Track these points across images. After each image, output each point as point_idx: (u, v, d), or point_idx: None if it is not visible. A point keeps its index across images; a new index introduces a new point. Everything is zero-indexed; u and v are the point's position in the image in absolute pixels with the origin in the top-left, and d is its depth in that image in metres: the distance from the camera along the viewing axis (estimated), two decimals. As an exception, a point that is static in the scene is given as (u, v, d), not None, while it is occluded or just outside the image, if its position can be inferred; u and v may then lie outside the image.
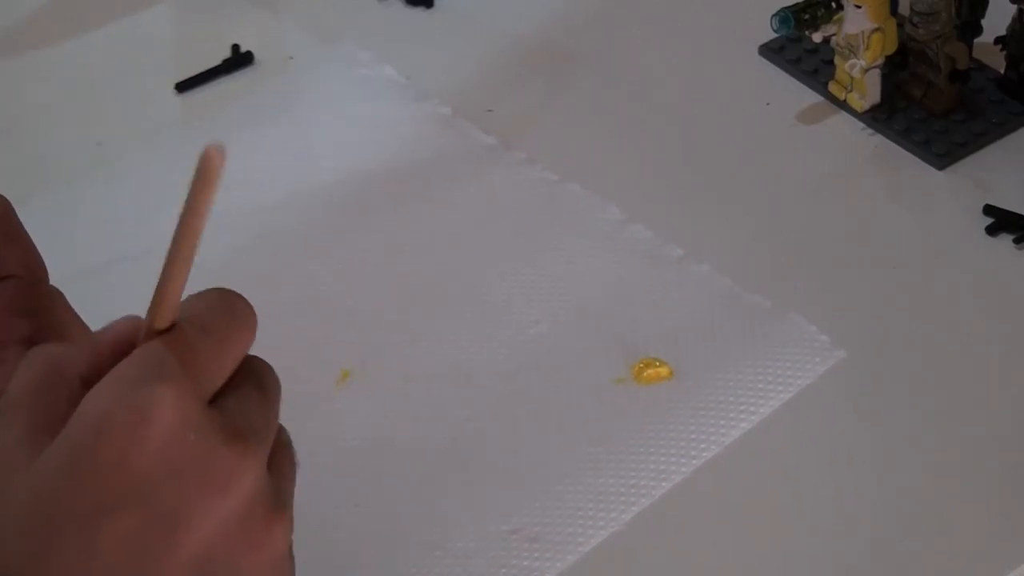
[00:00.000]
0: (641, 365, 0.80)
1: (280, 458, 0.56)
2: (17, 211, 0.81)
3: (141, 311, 0.83)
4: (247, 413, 0.55)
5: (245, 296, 0.87)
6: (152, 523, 0.52)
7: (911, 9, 0.92)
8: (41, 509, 0.52)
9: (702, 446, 0.77)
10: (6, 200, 0.74)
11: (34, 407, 0.54)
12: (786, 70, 0.99)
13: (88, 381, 0.55)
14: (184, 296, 0.55)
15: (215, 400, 0.55)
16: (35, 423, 0.54)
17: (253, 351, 0.82)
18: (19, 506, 0.53)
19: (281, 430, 0.57)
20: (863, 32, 0.92)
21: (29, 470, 0.53)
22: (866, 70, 0.93)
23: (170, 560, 0.53)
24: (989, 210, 0.89)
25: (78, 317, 0.76)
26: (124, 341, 0.56)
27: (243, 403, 0.55)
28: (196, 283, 0.88)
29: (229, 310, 0.56)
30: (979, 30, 0.95)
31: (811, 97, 0.97)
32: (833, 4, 0.92)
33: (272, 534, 0.54)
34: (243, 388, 0.56)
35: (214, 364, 0.55)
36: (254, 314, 0.56)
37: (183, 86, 1.00)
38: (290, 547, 0.57)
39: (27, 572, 0.52)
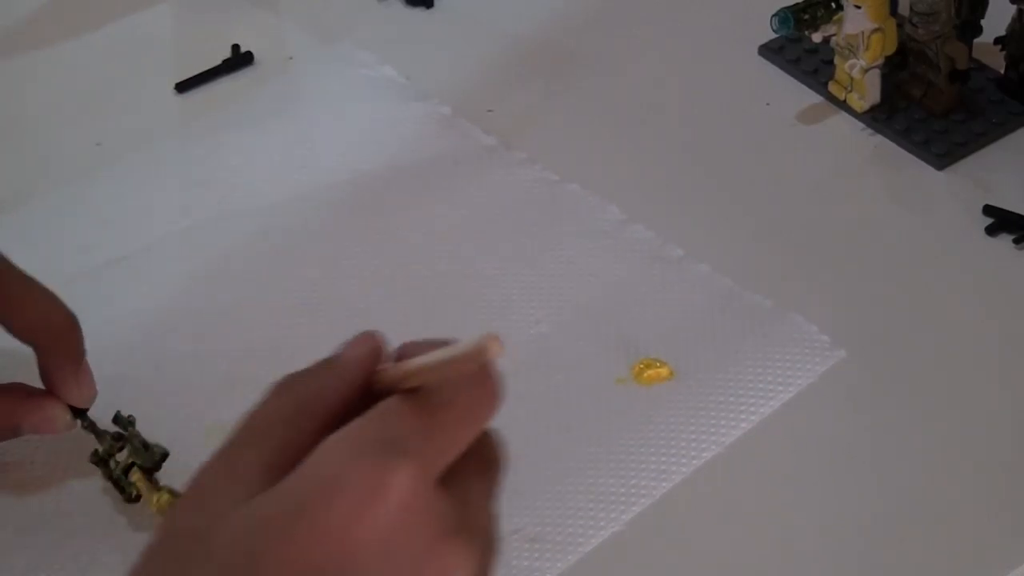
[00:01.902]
0: (641, 365, 0.80)
1: (488, 555, 0.53)
2: (17, 211, 0.81)
3: (141, 311, 0.84)
4: (474, 506, 0.53)
5: (245, 295, 0.88)
6: None
7: (911, 9, 0.92)
8: (249, 549, 0.50)
9: (702, 446, 0.77)
10: None
11: (277, 437, 0.53)
12: (786, 70, 0.99)
13: (334, 418, 0.53)
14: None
15: (443, 478, 0.52)
16: (274, 453, 0.52)
17: (255, 353, 0.83)
18: (229, 540, 0.50)
19: (493, 520, 0.54)
20: (863, 32, 0.92)
21: (250, 505, 0.51)
22: (866, 70, 0.93)
23: None
24: (989, 210, 0.89)
25: (25, 276, 0.74)
26: (369, 368, 0.54)
27: (470, 493, 0.53)
28: (197, 283, 0.88)
29: (479, 385, 0.53)
30: (979, 30, 0.95)
31: (811, 97, 0.97)
32: (833, 4, 0.92)
33: None
34: (472, 475, 0.53)
35: (451, 440, 0.52)
36: (501, 392, 0.53)
37: (183, 86, 1.00)
38: None
39: None
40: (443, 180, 0.92)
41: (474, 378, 0.53)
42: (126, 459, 0.75)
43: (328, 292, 0.86)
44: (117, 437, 0.76)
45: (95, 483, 0.76)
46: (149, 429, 0.78)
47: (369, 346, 0.55)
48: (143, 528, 0.75)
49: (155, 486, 0.74)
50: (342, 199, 0.92)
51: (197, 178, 0.94)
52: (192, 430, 0.78)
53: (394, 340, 0.82)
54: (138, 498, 0.75)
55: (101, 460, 0.76)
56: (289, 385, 0.55)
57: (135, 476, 0.75)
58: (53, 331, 0.75)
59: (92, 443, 0.76)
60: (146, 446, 0.75)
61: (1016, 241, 0.87)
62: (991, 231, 0.88)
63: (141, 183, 0.94)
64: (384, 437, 0.50)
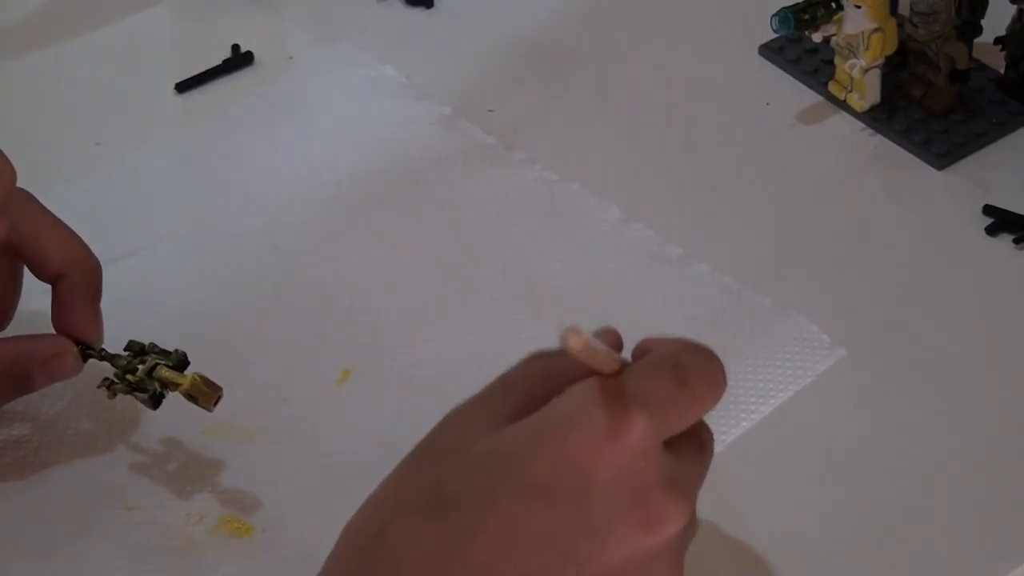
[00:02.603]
0: (641, 365, 0.80)
1: (692, 523, 0.60)
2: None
3: (141, 310, 0.84)
4: (691, 470, 0.59)
5: (245, 295, 0.88)
6: (580, 529, 0.56)
7: (911, 9, 0.92)
8: (494, 466, 0.56)
9: (702, 445, 0.77)
10: None
11: (524, 391, 0.59)
12: (786, 70, 0.99)
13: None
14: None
15: (667, 444, 0.58)
16: (521, 402, 0.59)
17: (255, 352, 0.83)
18: (482, 452, 0.57)
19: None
20: (863, 32, 0.92)
21: (503, 429, 0.57)
22: (866, 70, 0.93)
23: (579, 568, 0.56)
24: (989, 210, 0.89)
25: (51, 214, 0.77)
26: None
27: (687, 460, 0.59)
28: (196, 286, 0.89)
29: (712, 374, 0.59)
30: (979, 30, 0.95)
31: (811, 97, 0.97)
32: (833, 4, 0.92)
33: None
34: (690, 447, 0.59)
35: (681, 415, 0.59)
36: (725, 383, 0.60)
37: (183, 86, 1.00)
38: None
39: (460, 519, 0.56)
40: (443, 180, 0.92)
41: (709, 366, 0.59)
42: (148, 364, 0.76)
43: (328, 292, 0.86)
44: (138, 352, 0.77)
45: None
46: (149, 429, 0.78)
47: (610, 338, 0.62)
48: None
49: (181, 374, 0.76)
50: (342, 199, 0.92)
51: (197, 178, 0.94)
52: (192, 430, 0.78)
53: (394, 340, 0.83)
54: (161, 397, 0.76)
55: (119, 376, 0.76)
56: (540, 355, 0.61)
57: (161, 372, 0.76)
58: (82, 265, 0.78)
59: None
60: (167, 352, 0.77)
61: (1016, 241, 0.87)
62: (991, 231, 0.88)
63: (141, 183, 0.94)
64: (631, 391, 0.57)
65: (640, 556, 0.57)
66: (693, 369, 0.59)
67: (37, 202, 0.78)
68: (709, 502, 0.75)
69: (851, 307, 0.84)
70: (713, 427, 0.77)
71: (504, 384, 0.61)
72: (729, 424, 0.78)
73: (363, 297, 0.86)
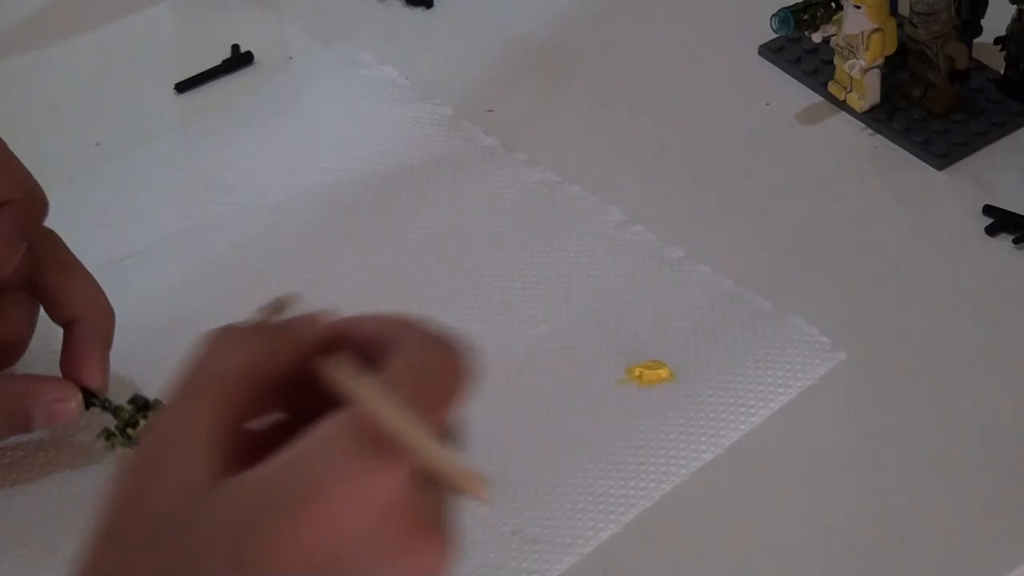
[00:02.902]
0: (641, 366, 0.80)
1: (454, 551, 0.54)
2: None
3: (141, 310, 0.84)
4: (444, 502, 0.53)
5: (245, 295, 0.88)
6: None
7: (911, 9, 0.92)
8: (235, 543, 0.49)
9: (702, 448, 0.77)
10: None
11: (224, 400, 0.52)
12: (786, 70, 0.99)
13: (279, 382, 0.53)
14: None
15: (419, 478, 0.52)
16: (222, 421, 0.51)
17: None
18: (209, 529, 0.49)
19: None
20: (863, 32, 0.92)
21: (213, 499, 0.50)
22: (866, 70, 0.93)
23: None
24: (989, 210, 0.89)
25: (75, 257, 0.77)
26: (320, 350, 0.53)
27: (442, 492, 0.53)
28: (196, 286, 0.88)
29: (456, 384, 0.54)
30: (979, 30, 0.95)
31: (811, 97, 0.97)
32: (833, 4, 0.92)
33: None
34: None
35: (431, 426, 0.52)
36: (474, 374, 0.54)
37: (183, 86, 1.00)
38: None
39: None
40: (444, 181, 0.92)
41: (456, 394, 0.54)
42: (150, 420, 0.75)
43: (328, 292, 0.86)
44: (141, 406, 0.76)
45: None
46: (149, 430, 0.78)
47: (329, 329, 0.54)
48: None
49: None
50: (342, 199, 0.92)
51: (197, 178, 0.94)
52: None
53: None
54: None
55: (119, 429, 0.76)
56: (234, 341, 0.53)
57: None
58: (97, 312, 0.77)
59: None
60: None
61: (1016, 241, 0.87)
62: (991, 231, 0.88)
63: (141, 183, 0.94)
64: (372, 437, 0.50)
65: None
66: (439, 386, 0.53)
67: (63, 244, 0.78)
68: (709, 504, 0.75)
69: (851, 308, 0.84)
70: (712, 429, 0.78)
71: (196, 388, 0.52)
72: (729, 427, 0.78)
73: (363, 298, 0.86)
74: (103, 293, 0.78)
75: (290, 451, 0.50)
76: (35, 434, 0.79)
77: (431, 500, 0.52)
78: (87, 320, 0.77)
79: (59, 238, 0.78)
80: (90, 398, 0.77)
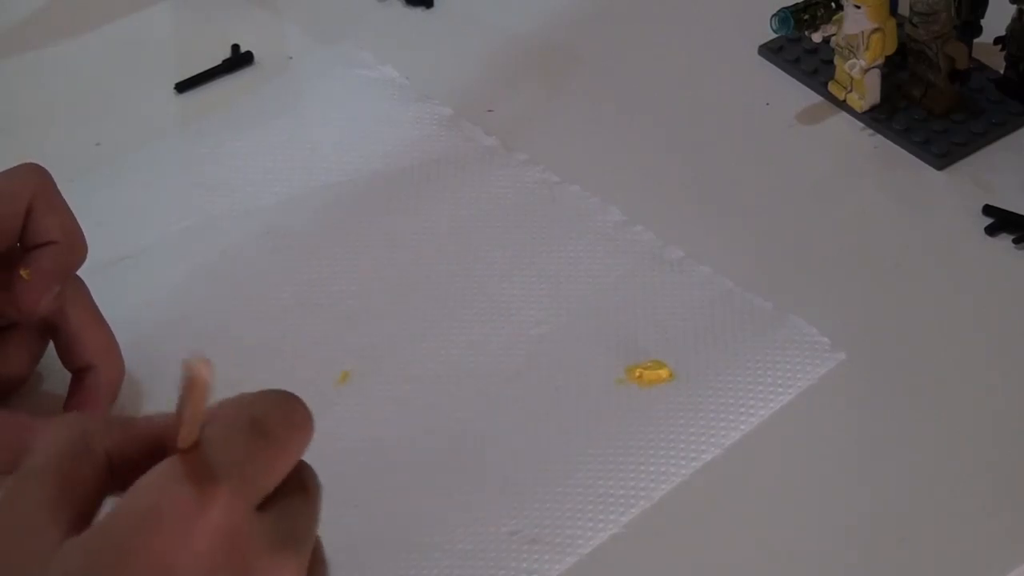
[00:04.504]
0: (641, 367, 0.80)
1: (316, 570, 0.56)
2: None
3: (141, 310, 0.84)
4: (293, 522, 0.55)
5: (245, 296, 0.88)
6: None
7: (911, 9, 0.92)
8: None
9: (702, 448, 0.77)
10: (46, 170, 0.76)
11: (61, 472, 0.54)
12: (786, 70, 0.99)
13: (113, 459, 0.55)
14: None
15: (263, 505, 0.54)
16: (60, 489, 0.53)
17: (255, 353, 0.83)
18: None
19: (318, 542, 0.57)
20: (863, 32, 0.92)
21: (61, 554, 0.52)
22: (866, 70, 0.93)
23: None
24: (989, 210, 0.89)
25: (97, 307, 0.78)
26: (156, 431, 0.56)
27: (290, 511, 0.55)
28: (196, 286, 0.89)
29: (288, 415, 0.56)
30: (979, 30, 0.95)
31: (811, 97, 0.97)
32: (833, 4, 0.92)
33: None
34: (291, 496, 0.55)
35: (268, 469, 0.54)
36: (311, 421, 0.56)
37: (183, 86, 1.01)
38: None
39: None
40: (444, 181, 0.92)
41: (284, 409, 0.55)
42: None
43: (328, 293, 0.86)
44: None
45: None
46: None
47: (161, 414, 0.57)
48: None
49: None
50: (342, 199, 0.92)
51: (197, 178, 0.94)
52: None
53: (394, 341, 0.83)
54: None
55: None
56: (62, 425, 0.56)
57: None
58: (109, 367, 0.78)
59: None
60: None
61: (1016, 241, 0.87)
62: (991, 231, 0.88)
63: (141, 183, 0.94)
64: (196, 471, 0.52)
65: None
66: (270, 419, 0.55)
67: (88, 292, 0.79)
68: (709, 504, 0.75)
69: (851, 309, 0.84)
70: (712, 430, 0.78)
71: (37, 468, 0.54)
72: (729, 427, 0.78)
73: (363, 298, 0.86)
74: (118, 348, 0.79)
75: (127, 494, 0.53)
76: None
77: (276, 522, 0.53)
78: (101, 371, 0.78)
79: (85, 286, 0.79)
80: None
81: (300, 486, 0.56)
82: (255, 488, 0.54)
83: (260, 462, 0.54)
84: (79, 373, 0.78)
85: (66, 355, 0.79)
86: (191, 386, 0.53)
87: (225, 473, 0.52)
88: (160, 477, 0.53)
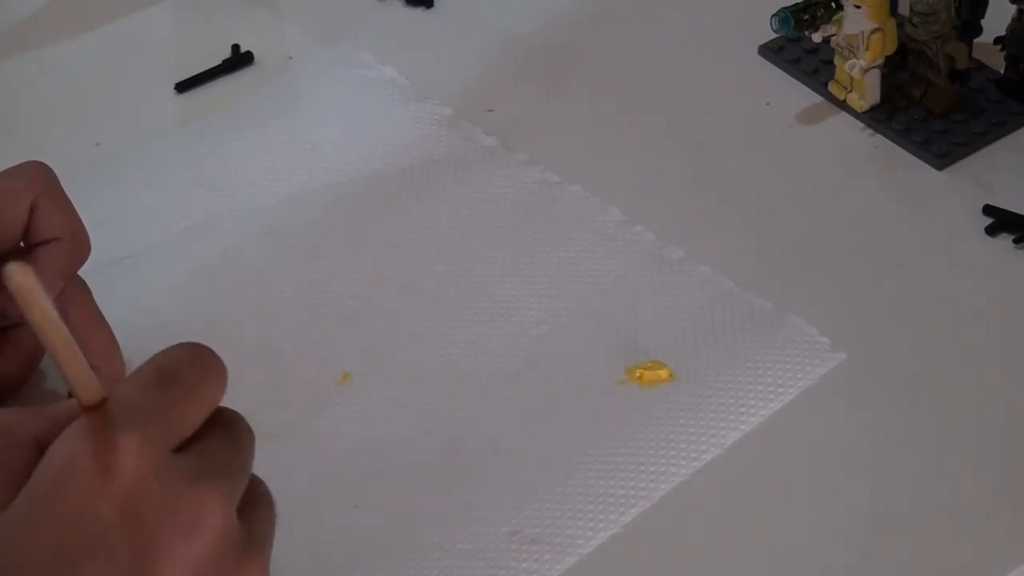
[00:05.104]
0: (642, 367, 0.80)
1: (255, 505, 0.57)
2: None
3: (140, 310, 0.84)
4: (214, 456, 0.56)
5: (245, 296, 0.88)
6: (120, 571, 0.53)
7: (911, 9, 0.92)
8: (5, 562, 0.52)
9: (702, 448, 0.77)
10: (50, 168, 0.76)
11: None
12: (786, 70, 0.99)
13: (41, 444, 0.56)
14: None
15: (183, 448, 0.55)
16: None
17: (255, 353, 0.83)
18: None
19: (259, 482, 0.58)
20: (863, 32, 0.92)
21: (5, 511, 0.53)
22: (866, 70, 0.93)
23: None
24: (989, 210, 0.89)
25: (100, 313, 0.78)
26: (77, 412, 0.56)
27: (210, 447, 0.56)
28: (196, 286, 0.89)
29: (196, 362, 0.57)
30: (979, 30, 0.95)
31: (811, 97, 0.97)
32: (833, 4, 0.92)
33: (244, 574, 0.55)
34: (211, 434, 0.56)
35: (180, 414, 0.56)
36: (223, 367, 0.57)
37: (183, 86, 1.01)
38: None
39: None
40: (444, 181, 0.92)
41: (190, 357, 0.57)
42: None
43: (328, 293, 0.86)
44: None
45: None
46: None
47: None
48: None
49: None
50: (342, 200, 0.92)
51: (197, 178, 0.94)
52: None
53: (394, 341, 0.83)
54: None
55: None
56: None
57: None
58: (111, 370, 0.77)
59: None
60: None
61: (1016, 241, 0.87)
62: (991, 231, 0.88)
63: (141, 183, 0.94)
64: (105, 423, 0.54)
65: (198, 562, 0.54)
66: (179, 365, 0.56)
67: (90, 293, 0.79)
68: (709, 504, 0.75)
69: (851, 309, 0.84)
70: (712, 430, 0.78)
71: None
72: (729, 427, 0.78)
73: (363, 298, 0.86)
74: (120, 352, 0.79)
75: (44, 456, 0.55)
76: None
77: (198, 458, 0.55)
78: (101, 371, 0.76)
79: (87, 287, 0.79)
80: None
81: (223, 427, 0.57)
82: (167, 432, 0.55)
83: (168, 407, 0.55)
84: None
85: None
86: (19, 297, 0.53)
87: (131, 421, 0.54)
88: (68, 437, 0.54)
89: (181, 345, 0.57)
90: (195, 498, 0.54)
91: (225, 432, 0.57)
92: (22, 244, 0.77)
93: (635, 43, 1.02)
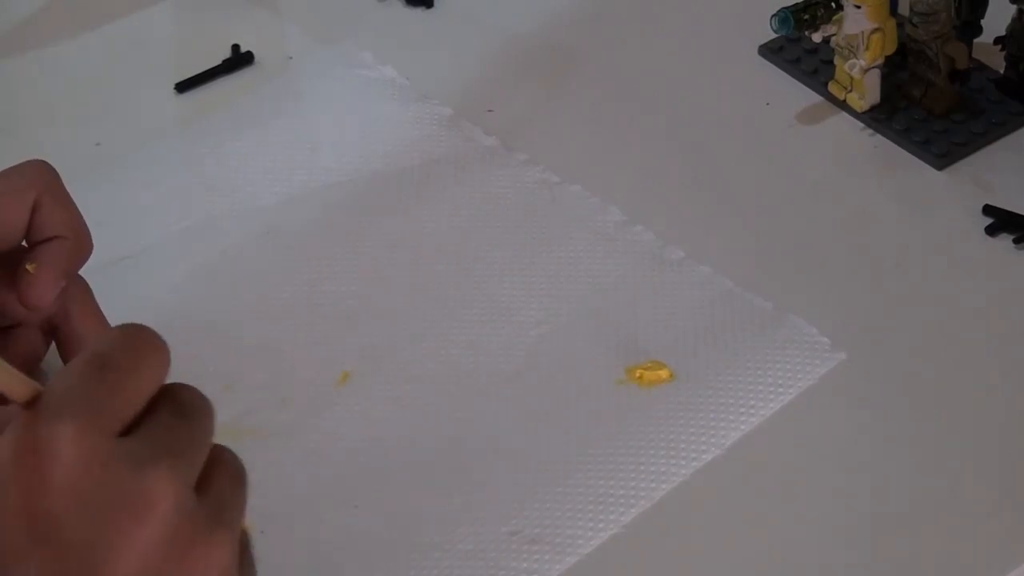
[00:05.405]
0: (642, 367, 0.80)
1: (217, 476, 0.56)
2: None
3: (140, 310, 0.83)
4: (162, 435, 0.54)
5: (245, 296, 0.88)
6: (69, 563, 0.52)
7: (911, 9, 0.92)
8: None
9: (702, 448, 0.77)
10: (52, 167, 0.76)
11: None
12: (786, 70, 0.99)
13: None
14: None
15: (129, 431, 0.54)
16: None
17: (255, 353, 0.83)
18: None
19: (222, 449, 0.57)
20: (863, 32, 0.92)
21: None
22: (866, 70, 0.93)
23: None
24: (989, 210, 0.89)
25: (100, 311, 0.78)
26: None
27: (157, 427, 0.55)
28: (196, 286, 0.89)
29: (131, 343, 0.55)
30: (979, 30, 0.95)
31: (811, 97, 0.97)
32: (833, 4, 0.92)
33: (208, 553, 0.54)
34: (156, 415, 0.55)
35: (118, 397, 0.54)
36: (162, 344, 0.56)
37: (183, 86, 1.00)
38: (251, 558, 0.57)
39: None
40: (444, 181, 0.92)
41: (124, 339, 0.55)
42: None
43: (328, 293, 0.86)
44: None
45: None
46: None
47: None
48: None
49: None
50: (342, 200, 0.92)
51: (197, 178, 0.94)
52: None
53: (394, 341, 0.83)
54: None
55: None
56: None
57: None
58: None
59: None
60: None
61: (1016, 241, 0.87)
62: (991, 231, 0.88)
63: (141, 183, 0.94)
64: (39, 416, 0.52)
65: (153, 546, 0.53)
66: (113, 348, 0.55)
67: (91, 293, 0.79)
68: (709, 504, 0.75)
69: (851, 309, 0.84)
70: (712, 430, 0.78)
71: None
72: (729, 427, 0.78)
73: (363, 298, 0.86)
74: None
75: None
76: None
77: (144, 440, 0.54)
78: None
79: (89, 287, 0.78)
80: None
81: (170, 405, 0.56)
82: (107, 418, 0.54)
83: (105, 392, 0.54)
84: None
85: (68, 355, 0.78)
86: None
87: (67, 411, 0.52)
88: (5, 437, 0.53)
89: (116, 327, 0.56)
90: (143, 481, 0.52)
91: (173, 409, 0.56)
92: (24, 243, 0.77)
93: (635, 43, 1.02)
